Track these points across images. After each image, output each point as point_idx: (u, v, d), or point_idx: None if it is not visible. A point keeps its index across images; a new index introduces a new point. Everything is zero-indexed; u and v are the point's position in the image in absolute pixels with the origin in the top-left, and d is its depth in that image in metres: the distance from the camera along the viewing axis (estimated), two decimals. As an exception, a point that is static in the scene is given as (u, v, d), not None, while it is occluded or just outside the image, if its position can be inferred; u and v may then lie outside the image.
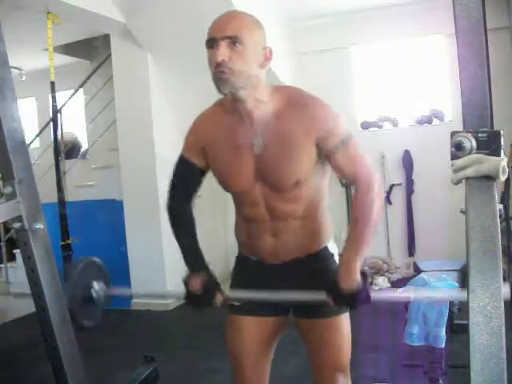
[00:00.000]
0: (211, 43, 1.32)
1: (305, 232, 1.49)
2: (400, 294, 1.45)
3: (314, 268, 1.52)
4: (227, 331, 1.62)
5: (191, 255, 1.55)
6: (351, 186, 1.47)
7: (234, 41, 1.29)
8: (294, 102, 1.40)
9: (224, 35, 1.30)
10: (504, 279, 0.97)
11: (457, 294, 1.57)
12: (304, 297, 1.45)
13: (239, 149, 1.43)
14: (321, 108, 1.40)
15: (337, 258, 1.55)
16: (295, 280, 1.50)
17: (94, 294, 1.64)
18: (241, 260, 1.64)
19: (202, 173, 1.54)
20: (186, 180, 1.56)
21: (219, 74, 1.30)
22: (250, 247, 1.56)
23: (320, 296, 1.39)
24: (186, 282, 1.53)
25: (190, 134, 1.56)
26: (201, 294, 1.48)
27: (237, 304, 1.55)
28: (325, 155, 1.40)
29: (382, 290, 1.48)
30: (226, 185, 1.50)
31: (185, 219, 1.59)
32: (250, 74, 1.32)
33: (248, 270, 1.59)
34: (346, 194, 5.43)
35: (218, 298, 1.49)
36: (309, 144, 1.38)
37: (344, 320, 1.52)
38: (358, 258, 1.37)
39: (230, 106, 1.44)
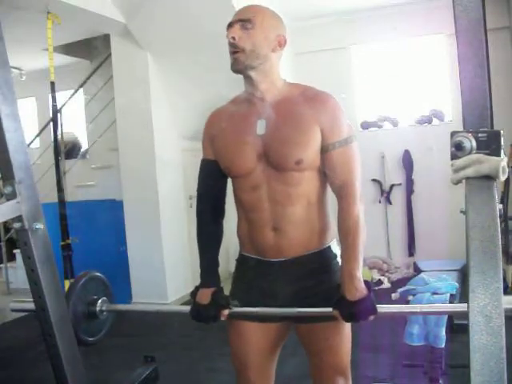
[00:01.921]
0: (228, 28, 1.43)
1: (306, 226, 1.47)
2: (399, 303, 1.44)
3: (316, 268, 1.49)
4: (230, 336, 1.59)
5: (208, 268, 1.56)
6: (334, 190, 1.46)
7: (246, 24, 1.40)
8: (308, 93, 1.46)
9: (238, 18, 1.42)
10: (504, 279, 0.97)
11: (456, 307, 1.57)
12: (310, 312, 1.45)
13: (245, 130, 1.46)
14: (333, 104, 1.44)
15: (339, 260, 1.51)
16: (297, 282, 1.48)
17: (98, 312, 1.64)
18: (241, 262, 1.61)
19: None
20: (208, 179, 1.56)
21: (231, 52, 1.41)
22: (250, 242, 1.53)
23: (326, 310, 1.39)
24: (194, 294, 1.53)
25: (203, 131, 1.58)
26: (207, 305, 1.49)
27: (236, 309, 1.52)
28: (323, 149, 1.42)
29: (388, 306, 1.46)
30: (228, 166, 1.49)
31: (211, 231, 1.58)
32: (259, 54, 1.40)
33: (248, 272, 1.56)
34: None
35: (224, 314, 1.49)
36: (315, 129, 1.40)
37: (343, 323, 1.47)
38: (358, 268, 1.38)
39: (243, 97, 1.51)
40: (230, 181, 1.57)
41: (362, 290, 1.35)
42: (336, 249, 1.54)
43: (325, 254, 1.51)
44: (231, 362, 1.61)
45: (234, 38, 1.39)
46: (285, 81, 1.50)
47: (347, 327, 1.51)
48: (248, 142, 1.45)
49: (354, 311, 1.34)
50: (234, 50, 1.40)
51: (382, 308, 1.38)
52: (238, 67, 1.41)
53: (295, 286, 1.48)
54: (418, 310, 1.60)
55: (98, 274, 1.71)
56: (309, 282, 1.48)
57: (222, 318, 1.50)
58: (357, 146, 1.45)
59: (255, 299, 1.51)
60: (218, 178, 1.54)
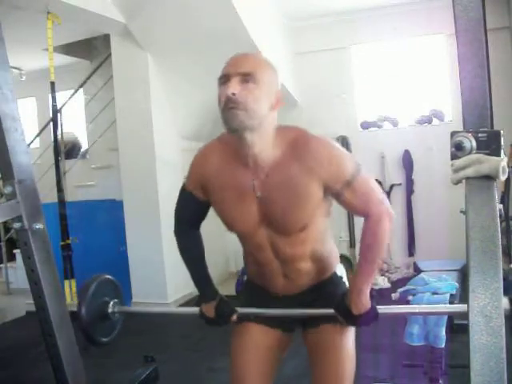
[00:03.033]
0: (224, 79, 1.29)
1: (314, 268, 1.50)
2: (399, 302, 1.45)
3: (324, 292, 1.54)
4: (233, 340, 1.60)
5: (201, 282, 1.58)
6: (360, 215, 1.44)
7: (247, 78, 1.26)
8: (298, 146, 1.34)
9: (237, 71, 1.27)
10: (504, 279, 0.97)
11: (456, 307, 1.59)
12: (314, 312, 1.50)
13: (242, 191, 1.38)
14: (325, 150, 1.33)
15: (345, 279, 1.58)
16: (307, 304, 1.52)
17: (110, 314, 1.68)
18: (250, 285, 1.64)
19: (206, 205, 1.49)
20: (189, 209, 1.53)
21: (228, 108, 1.25)
22: (259, 281, 1.58)
23: (330, 311, 1.44)
24: (201, 309, 1.58)
25: (191, 167, 1.49)
26: (215, 319, 1.54)
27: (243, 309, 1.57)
28: (334, 196, 1.38)
29: (388, 306, 1.52)
30: (229, 226, 1.47)
31: (192, 246, 1.59)
32: (259, 113, 1.27)
33: (258, 296, 1.60)
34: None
35: (233, 319, 1.54)
36: (314, 187, 1.33)
37: (349, 337, 1.51)
38: (368, 284, 1.39)
39: (233, 144, 1.36)
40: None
41: (367, 304, 1.39)
42: (340, 270, 1.59)
43: (332, 280, 1.56)
44: (229, 374, 1.60)
45: (234, 94, 1.24)
46: (276, 129, 1.36)
47: (351, 340, 1.53)
48: (247, 204, 1.38)
49: (358, 322, 1.41)
50: (233, 105, 1.24)
51: (383, 309, 1.42)
52: (236, 125, 1.26)
53: (305, 307, 1.52)
54: (417, 311, 1.62)
55: (109, 276, 1.74)
56: (318, 304, 1.52)
57: (234, 320, 1.55)
58: (364, 171, 1.36)
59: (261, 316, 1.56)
60: (198, 210, 1.51)
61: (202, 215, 1.54)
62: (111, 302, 1.70)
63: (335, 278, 1.57)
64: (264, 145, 1.32)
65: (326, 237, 1.52)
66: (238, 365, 1.55)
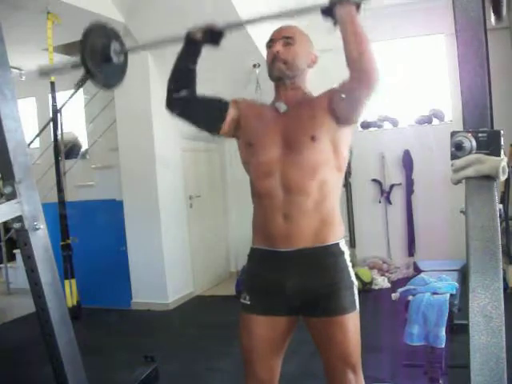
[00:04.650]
0: (271, 43, 1.65)
1: (317, 218, 1.55)
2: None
3: (324, 263, 1.57)
4: (240, 330, 1.65)
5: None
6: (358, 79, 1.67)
7: (287, 40, 1.63)
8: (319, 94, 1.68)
9: (280, 36, 1.64)
10: (504, 279, 0.97)
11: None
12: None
13: (269, 120, 1.64)
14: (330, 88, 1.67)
15: (348, 258, 1.60)
16: (303, 275, 1.54)
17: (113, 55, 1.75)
18: (252, 255, 1.68)
19: (225, 111, 1.68)
20: (211, 100, 1.71)
21: (273, 62, 1.61)
22: (263, 231, 1.61)
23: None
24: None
25: (232, 100, 1.72)
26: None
27: (249, 303, 1.60)
28: (338, 99, 1.60)
29: None
30: (249, 145, 1.63)
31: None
32: (298, 67, 1.63)
33: (257, 264, 1.65)
34: (345, 194, 5.44)
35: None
36: (323, 111, 1.60)
37: (351, 318, 1.55)
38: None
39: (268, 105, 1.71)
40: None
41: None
42: (344, 247, 1.61)
43: (333, 250, 1.58)
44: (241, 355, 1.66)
45: (278, 52, 1.60)
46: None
47: (355, 322, 1.56)
48: (272, 124, 1.61)
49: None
50: (276, 60, 1.60)
51: None
52: (278, 73, 1.61)
53: (301, 278, 1.54)
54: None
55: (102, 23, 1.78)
56: (315, 276, 1.55)
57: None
58: None
59: (263, 290, 1.59)
60: (216, 107, 1.70)
61: (211, 107, 1.73)
62: (111, 45, 1.74)
63: (337, 249, 1.59)
64: (296, 89, 1.66)
65: (335, 193, 1.60)
66: (246, 349, 1.64)
